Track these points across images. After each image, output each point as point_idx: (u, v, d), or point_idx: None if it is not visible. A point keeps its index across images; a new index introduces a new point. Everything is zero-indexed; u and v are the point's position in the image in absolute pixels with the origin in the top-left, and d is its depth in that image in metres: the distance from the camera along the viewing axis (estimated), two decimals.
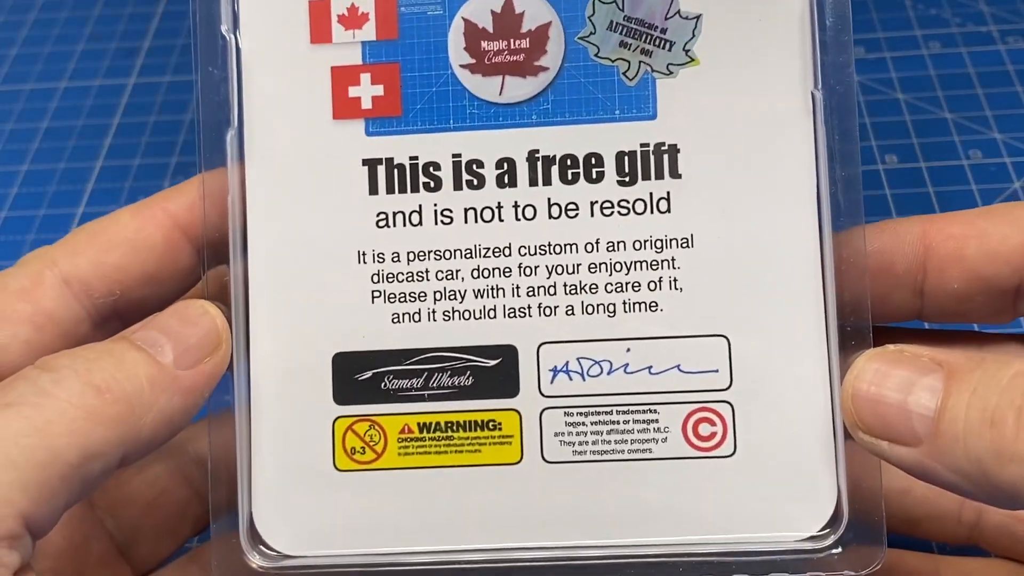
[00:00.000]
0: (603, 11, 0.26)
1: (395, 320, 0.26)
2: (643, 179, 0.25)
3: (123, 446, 0.23)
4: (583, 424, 0.25)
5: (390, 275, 0.26)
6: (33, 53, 0.55)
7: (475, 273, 0.26)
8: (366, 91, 0.26)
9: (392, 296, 0.26)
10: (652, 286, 0.25)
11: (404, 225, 0.26)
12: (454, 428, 0.26)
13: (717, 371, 0.25)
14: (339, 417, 0.26)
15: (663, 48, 0.25)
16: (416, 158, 0.26)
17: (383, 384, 0.26)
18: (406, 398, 0.26)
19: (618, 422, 0.25)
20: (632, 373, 0.25)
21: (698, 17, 0.25)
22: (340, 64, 0.26)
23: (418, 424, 0.26)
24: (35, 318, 0.25)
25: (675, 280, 0.25)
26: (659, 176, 0.25)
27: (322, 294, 0.26)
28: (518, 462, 0.26)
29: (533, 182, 0.26)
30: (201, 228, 0.26)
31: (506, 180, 0.26)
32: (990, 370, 0.21)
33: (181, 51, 0.54)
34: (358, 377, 0.26)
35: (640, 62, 0.25)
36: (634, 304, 0.25)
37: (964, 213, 0.25)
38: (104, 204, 0.47)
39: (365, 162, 0.26)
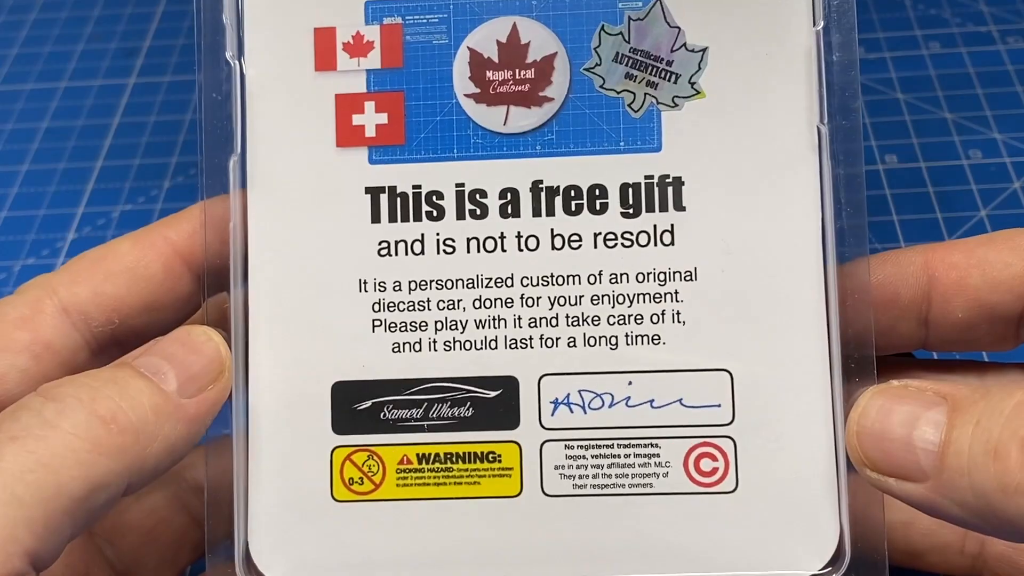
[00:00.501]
0: (609, 42, 0.26)
1: (395, 350, 0.26)
2: (647, 211, 0.25)
3: (128, 476, 0.23)
4: (584, 457, 0.25)
5: (391, 304, 0.26)
6: (33, 53, 0.55)
7: (476, 303, 0.26)
8: (370, 119, 0.26)
9: (393, 325, 0.26)
10: (655, 319, 0.25)
11: (406, 254, 0.26)
12: (453, 460, 0.25)
13: (719, 406, 0.25)
14: (337, 447, 0.26)
15: (669, 80, 0.25)
16: (419, 187, 0.26)
17: (382, 414, 0.26)
18: (405, 428, 0.26)
19: (619, 456, 0.25)
20: (634, 407, 0.25)
21: (704, 50, 0.25)
22: (344, 92, 0.26)
23: (417, 455, 0.26)
24: (33, 347, 0.25)
25: (678, 313, 0.25)
26: (663, 208, 0.25)
27: (322, 322, 0.26)
28: (518, 495, 0.25)
29: (536, 213, 0.26)
30: (202, 255, 0.26)
31: (509, 210, 0.26)
32: (993, 401, 0.21)
33: (181, 51, 0.54)
34: (357, 407, 0.26)
35: (645, 94, 0.25)
36: (636, 337, 0.25)
37: (965, 241, 0.25)
38: (104, 204, 0.47)
39: (368, 190, 0.26)
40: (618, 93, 0.26)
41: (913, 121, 0.47)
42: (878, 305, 0.25)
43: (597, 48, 0.26)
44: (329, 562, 0.25)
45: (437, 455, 0.26)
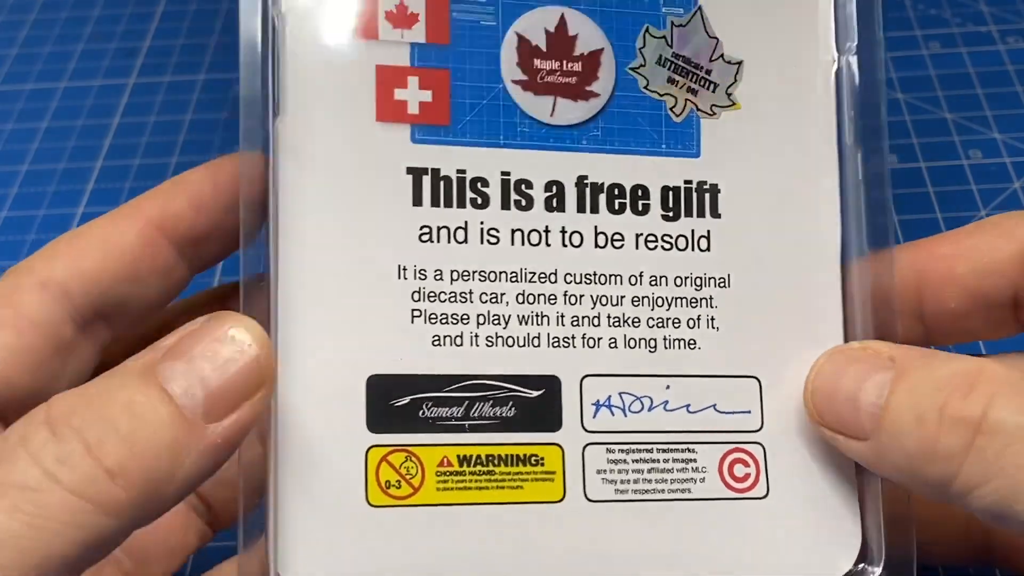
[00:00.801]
0: (653, 44, 0.25)
1: (435, 343, 0.24)
2: (686, 215, 0.25)
3: (133, 526, 0.21)
4: (625, 462, 0.24)
5: (432, 294, 0.24)
6: (33, 53, 0.55)
7: (520, 298, 0.24)
8: (413, 95, 0.24)
9: (433, 316, 0.24)
10: (691, 323, 0.25)
11: (448, 241, 0.24)
12: (495, 462, 0.24)
13: (750, 412, 0.25)
14: (373, 446, 0.24)
15: (708, 89, 0.25)
16: (464, 172, 0.24)
17: (421, 411, 0.24)
18: (445, 428, 0.24)
19: (658, 460, 0.25)
20: (671, 411, 0.25)
21: (740, 63, 0.26)
22: (386, 63, 0.24)
23: (458, 456, 0.24)
24: (16, 322, 0.24)
25: (712, 319, 0.25)
26: (700, 214, 0.25)
27: (358, 309, 0.24)
28: (561, 500, 0.24)
29: (581, 208, 0.25)
30: (183, 226, 0.25)
31: (554, 204, 0.25)
32: (930, 368, 0.21)
33: (181, 51, 0.54)
34: (394, 403, 0.24)
35: (686, 100, 0.25)
36: (674, 341, 0.25)
37: (953, 232, 0.25)
38: (104, 204, 0.47)
39: (410, 171, 0.24)
40: (661, 96, 0.25)
41: (913, 121, 0.47)
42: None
43: (642, 49, 0.25)
44: (364, 573, 0.23)
45: (479, 457, 0.24)
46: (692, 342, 0.25)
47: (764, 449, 0.25)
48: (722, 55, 0.26)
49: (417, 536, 0.23)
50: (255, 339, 0.22)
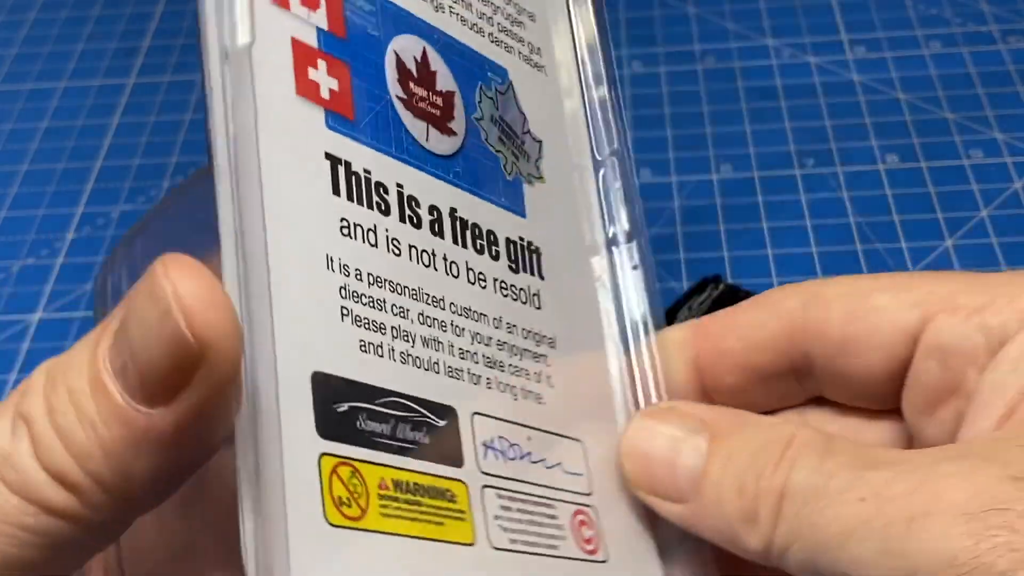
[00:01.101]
0: (487, 103, 0.25)
1: (363, 348, 0.21)
2: (523, 271, 0.25)
3: (107, 530, 0.19)
4: (511, 509, 0.23)
5: (356, 293, 0.21)
6: (33, 53, 0.55)
7: (420, 318, 0.22)
8: (324, 79, 0.22)
9: (359, 319, 0.21)
10: (537, 377, 0.24)
11: (363, 241, 0.22)
12: (421, 492, 0.21)
13: (582, 475, 0.24)
14: (325, 454, 0.20)
15: (524, 158, 0.26)
16: (369, 173, 0.22)
17: (358, 423, 0.21)
18: (380, 445, 0.21)
19: (533, 514, 0.23)
20: (535, 463, 0.24)
21: (541, 142, 0.26)
22: (299, 39, 0.22)
23: (393, 481, 0.21)
24: None
25: (549, 377, 0.24)
26: (531, 272, 0.25)
27: (297, 293, 0.20)
28: (472, 544, 0.22)
29: (455, 240, 0.24)
30: None
31: (436, 229, 0.23)
32: (746, 435, 0.22)
33: (181, 51, 0.54)
34: (336, 407, 0.20)
35: (513, 162, 0.26)
36: (528, 392, 0.24)
37: (729, 309, 0.25)
38: (104, 204, 0.47)
39: (328, 156, 0.22)
40: (496, 151, 0.25)
41: (913, 121, 0.47)
42: None
43: (480, 103, 0.25)
44: None
45: (409, 484, 0.21)
46: (540, 397, 0.24)
47: (598, 512, 0.24)
48: (529, 131, 0.26)
49: (369, 571, 0.20)
50: (196, 294, 0.17)
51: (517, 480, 0.23)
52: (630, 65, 0.51)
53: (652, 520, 0.25)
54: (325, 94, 0.22)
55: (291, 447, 0.19)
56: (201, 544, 0.24)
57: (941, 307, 0.22)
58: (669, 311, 0.41)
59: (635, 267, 0.27)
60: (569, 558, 0.24)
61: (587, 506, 0.24)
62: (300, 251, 0.21)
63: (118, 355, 0.18)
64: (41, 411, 0.18)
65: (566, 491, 0.24)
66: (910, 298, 0.23)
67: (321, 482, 0.20)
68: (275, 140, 0.21)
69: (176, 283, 0.17)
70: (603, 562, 0.24)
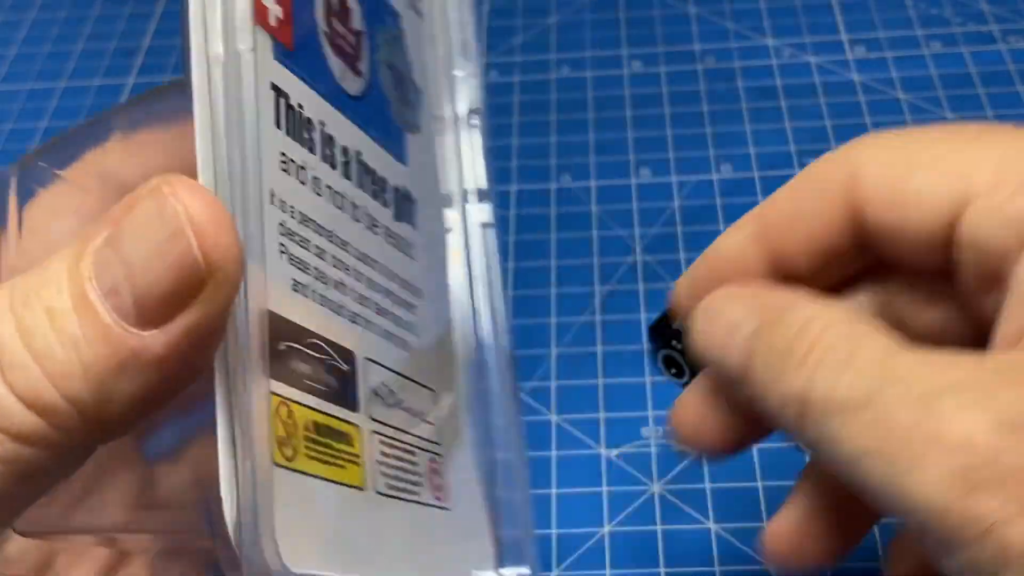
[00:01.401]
0: (385, 47, 0.25)
1: (295, 288, 0.21)
2: (403, 220, 0.25)
3: (78, 454, 0.18)
4: (389, 456, 0.23)
5: (290, 231, 0.21)
6: (32, 53, 0.55)
7: (334, 260, 0.22)
8: (273, 6, 0.21)
9: (293, 259, 0.21)
10: (408, 327, 0.25)
11: (296, 178, 0.21)
12: (332, 435, 0.21)
13: (434, 425, 0.25)
14: (272, 393, 0.19)
15: (408, 106, 0.26)
16: (302, 108, 0.21)
17: (292, 363, 0.20)
18: (306, 387, 0.20)
19: (403, 460, 0.24)
20: (403, 410, 0.24)
21: (421, 92, 0.27)
22: None
23: (314, 423, 0.20)
24: None
25: (415, 326, 0.25)
26: (408, 222, 0.26)
27: (254, 228, 0.19)
28: (363, 488, 0.22)
29: (360, 185, 0.23)
30: None
31: (346, 172, 0.23)
32: (780, 330, 0.22)
33: (181, 51, 0.54)
34: (276, 346, 0.20)
35: (400, 108, 0.26)
36: (401, 340, 0.25)
37: (781, 198, 0.26)
38: None
39: (274, 87, 0.21)
40: (389, 97, 0.25)
41: (913, 121, 0.46)
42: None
43: (380, 46, 0.25)
44: (302, 546, 0.19)
45: (323, 427, 0.21)
46: (408, 345, 0.25)
47: (444, 462, 0.26)
48: (413, 80, 0.26)
49: (300, 512, 0.20)
50: (207, 215, 0.17)
51: (392, 427, 0.24)
52: (630, 65, 0.50)
53: (482, 474, 0.26)
54: (274, 22, 0.21)
55: (254, 382, 0.19)
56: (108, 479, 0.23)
57: (978, 188, 0.21)
58: (668, 311, 0.41)
59: (485, 224, 0.28)
60: (426, 504, 0.24)
61: (438, 455, 0.25)
62: (257, 185, 0.20)
63: (108, 274, 0.17)
64: (11, 331, 0.17)
65: (424, 439, 0.25)
66: (947, 181, 0.22)
67: (270, 420, 0.19)
68: (244, 68, 0.20)
69: (187, 204, 0.17)
70: (448, 510, 0.25)
